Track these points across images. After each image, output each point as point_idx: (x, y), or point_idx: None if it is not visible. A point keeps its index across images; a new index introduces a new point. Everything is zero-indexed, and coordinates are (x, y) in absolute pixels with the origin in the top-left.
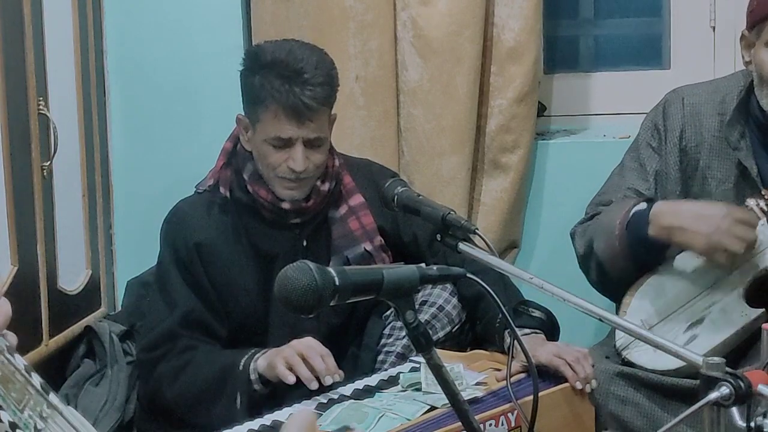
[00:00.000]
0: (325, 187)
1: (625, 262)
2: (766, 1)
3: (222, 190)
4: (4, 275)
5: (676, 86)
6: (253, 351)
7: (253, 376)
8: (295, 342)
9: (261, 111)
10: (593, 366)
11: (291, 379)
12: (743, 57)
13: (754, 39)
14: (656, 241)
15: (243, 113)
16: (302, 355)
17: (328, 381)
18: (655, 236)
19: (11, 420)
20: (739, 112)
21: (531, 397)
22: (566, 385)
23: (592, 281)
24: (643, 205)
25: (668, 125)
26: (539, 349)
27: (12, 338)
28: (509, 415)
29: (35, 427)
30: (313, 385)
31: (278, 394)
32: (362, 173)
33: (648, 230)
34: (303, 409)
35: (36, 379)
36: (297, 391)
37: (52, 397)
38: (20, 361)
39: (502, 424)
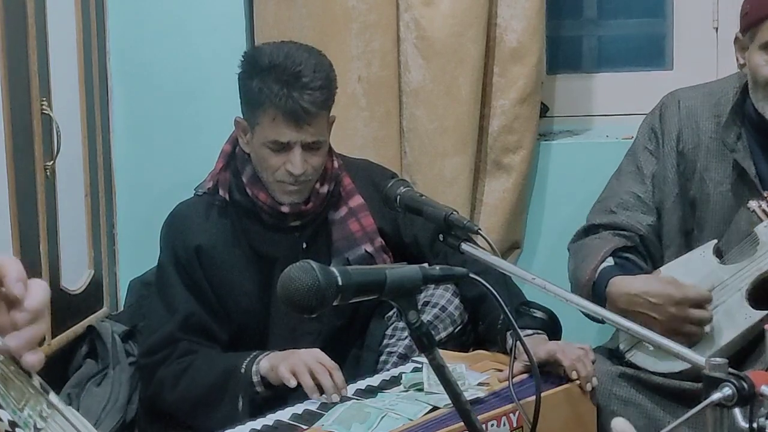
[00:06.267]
0: (324, 189)
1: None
2: (761, 5)
3: (221, 192)
4: None
5: (679, 87)
6: (255, 354)
7: (255, 378)
8: (303, 351)
9: (259, 115)
10: (594, 362)
11: (293, 383)
12: (737, 60)
13: (748, 42)
14: None
15: (242, 115)
16: (309, 367)
17: (334, 399)
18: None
19: (11, 419)
20: (734, 113)
21: (533, 398)
22: (568, 385)
23: None
24: (609, 261)
25: (665, 128)
26: (540, 347)
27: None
28: (511, 415)
29: (35, 426)
30: (315, 396)
31: (280, 396)
32: (361, 174)
33: (606, 305)
34: None
35: (36, 379)
36: (301, 394)
37: (52, 397)
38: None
39: (504, 425)
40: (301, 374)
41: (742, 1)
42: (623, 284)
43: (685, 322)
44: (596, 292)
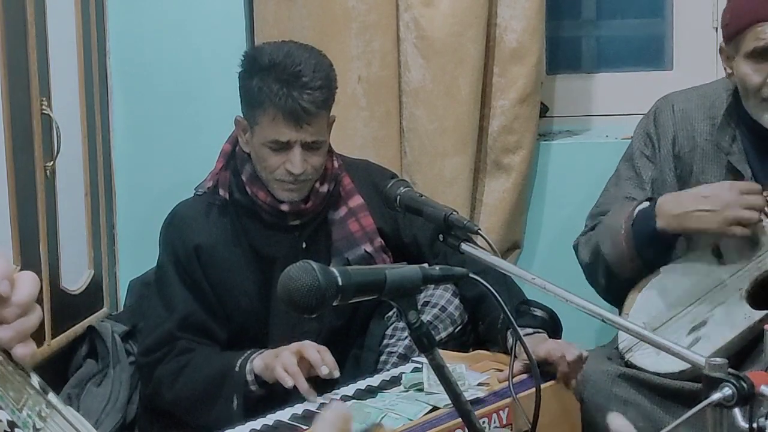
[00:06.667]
0: (324, 188)
1: (632, 262)
2: (741, 14)
3: (221, 192)
4: None
5: (679, 87)
6: (249, 352)
7: (249, 377)
8: (292, 345)
9: (259, 114)
10: (584, 363)
11: (289, 383)
12: (725, 69)
13: (733, 52)
14: (665, 235)
15: (242, 115)
16: (299, 352)
17: (323, 371)
18: (664, 228)
19: (10, 419)
20: (729, 116)
21: (527, 392)
22: (553, 382)
23: (600, 289)
24: (645, 204)
25: (660, 132)
26: (540, 346)
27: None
28: (501, 412)
29: (34, 426)
30: (312, 398)
31: (275, 395)
32: (361, 174)
33: (656, 224)
34: (338, 405)
35: (35, 379)
36: (297, 392)
37: (51, 397)
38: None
39: (494, 422)
40: (296, 375)
41: (722, 12)
42: (673, 194)
43: (740, 207)
44: (639, 225)
